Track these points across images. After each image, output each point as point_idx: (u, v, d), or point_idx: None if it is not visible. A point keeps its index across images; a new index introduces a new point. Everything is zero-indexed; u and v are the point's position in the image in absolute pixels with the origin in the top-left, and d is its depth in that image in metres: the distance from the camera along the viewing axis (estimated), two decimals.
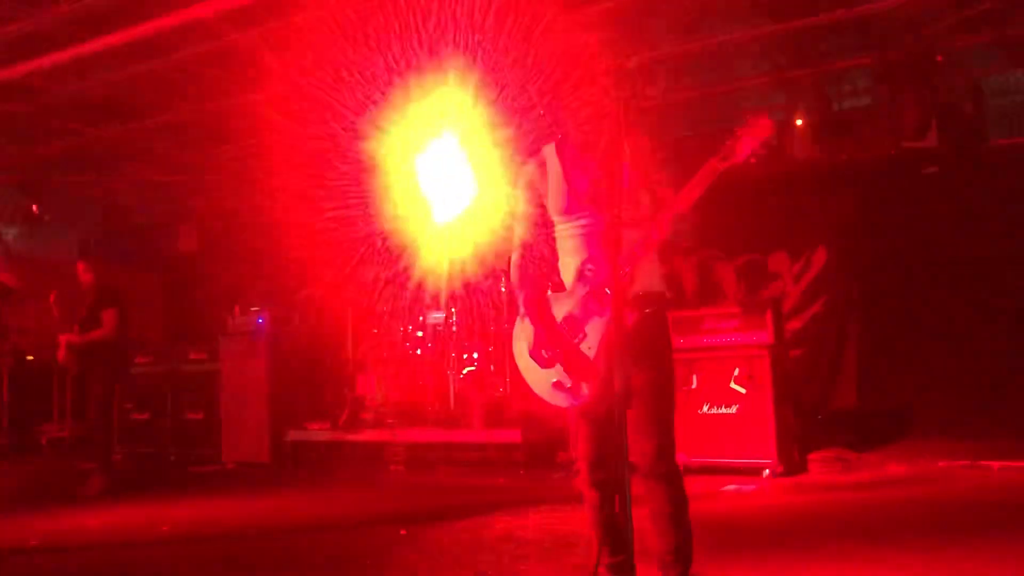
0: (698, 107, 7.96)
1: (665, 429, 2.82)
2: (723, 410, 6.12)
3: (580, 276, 2.84)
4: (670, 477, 2.81)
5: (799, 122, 7.37)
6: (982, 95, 7.33)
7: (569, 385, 2.79)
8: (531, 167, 3.00)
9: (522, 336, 2.93)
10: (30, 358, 10.53)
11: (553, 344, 2.83)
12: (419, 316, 8.39)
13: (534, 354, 2.85)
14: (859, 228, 8.17)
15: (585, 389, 2.77)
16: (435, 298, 9.95)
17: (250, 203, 10.97)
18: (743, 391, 6.09)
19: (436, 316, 8.16)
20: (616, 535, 2.84)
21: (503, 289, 7.93)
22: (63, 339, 6.93)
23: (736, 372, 6.13)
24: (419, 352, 8.18)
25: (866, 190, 8.14)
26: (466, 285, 8.97)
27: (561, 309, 2.86)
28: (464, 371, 7.93)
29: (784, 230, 8.46)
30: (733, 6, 6.73)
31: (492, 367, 7.82)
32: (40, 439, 10.37)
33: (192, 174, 10.73)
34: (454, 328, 8.00)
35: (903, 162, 7.67)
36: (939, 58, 6.92)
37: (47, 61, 6.97)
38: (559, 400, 2.83)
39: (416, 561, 4.03)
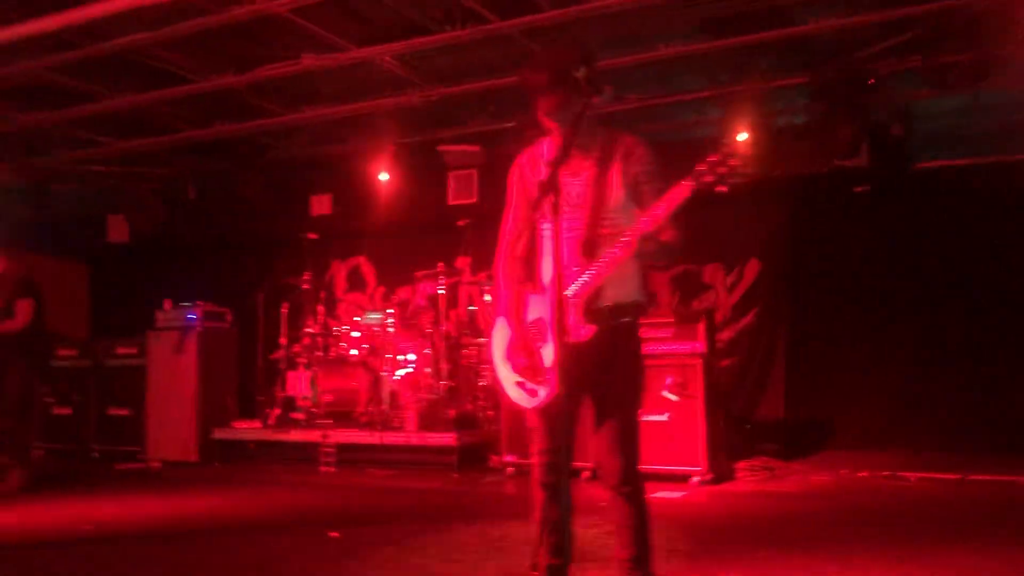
0: (641, 118, 8.07)
1: (632, 446, 2.87)
2: (655, 417, 6.21)
3: (555, 281, 2.83)
4: (635, 494, 2.87)
5: (743, 136, 7.52)
6: (911, 118, 7.58)
7: (528, 387, 2.86)
8: (524, 161, 3.01)
9: (500, 333, 2.99)
10: None
11: (515, 344, 2.89)
12: (355, 316, 8.33)
13: (509, 352, 2.89)
14: (790, 243, 8.39)
15: (541, 393, 2.83)
16: (372, 298, 9.96)
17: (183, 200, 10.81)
18: (675, 399, 6.20)
19: (373, 316, 8.11)
20: (555, 539, 2.86)
21: (441, 290, 7.94)
22: None
23: (668, 381, 6.23)
24: (354, 352, 8.11)
25: (798, 206, 8.36)
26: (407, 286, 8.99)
27: (535, 311, 2.91)
28: (399, 373, 7.90)
29: (719, 242, 8.63)
30: (672, 21, 6.85)
31: (427, 370, 7.81)
32: None
33: (125, 164, 10.49)
34: (390, 329, 7.96)
35: (834, 180, 7.90)
36: (871, 80, 7.14)
37: None
38: (522, 400, 2.89)
39: (347, 564, 4.01)
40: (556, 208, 2.51)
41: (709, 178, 2.68)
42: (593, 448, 2.91)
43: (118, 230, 11.13)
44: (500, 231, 3.05)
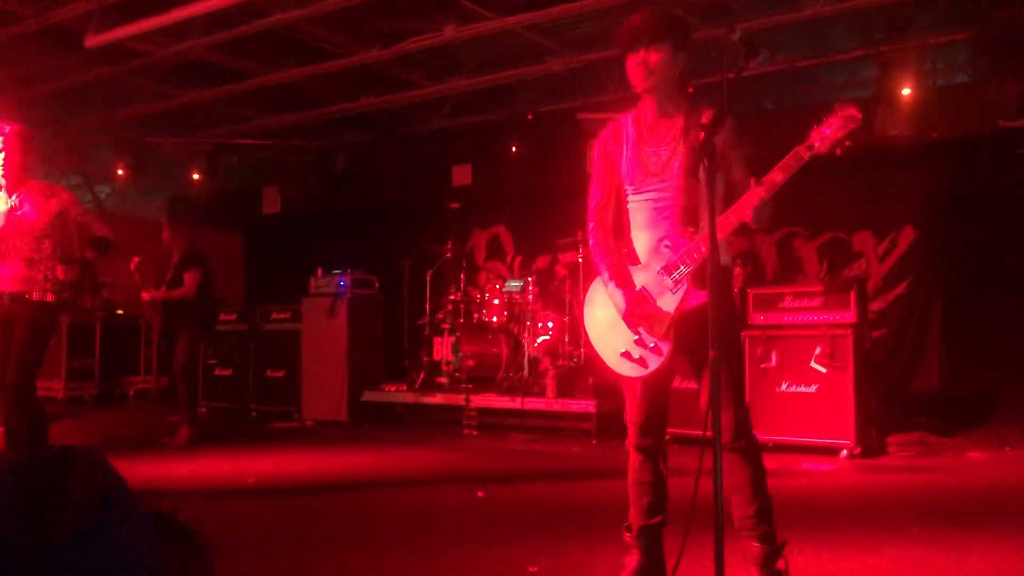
0: (789, 80, 7.81)
1: (741, 402, 2.87)
2: (802, 388, 6.06)
3: (656, 251, 2.87)
4: (750, 449, 2.87)
5: (906, 91, 7.16)
6: None
7: (637, 356, 2.86)
8: (607, 134, 3.01)
9: (598, 303, 2.99)
10: (120, 312, 10.96)
11: (627, 314, 2.88)
12: (496, 284, 8.47)
13: (627, 318, 2.88)
14: (948, 209, 7.95)
15: (651, 362, 2.84)
16: (511, 266, 10.09)
17: (332, 172, 11.24)
18: (823, 370, 6.02)
19: (513, 284, 8.23)
20: (651, 499, 2.96)
21: (580, 259, 7.96)
22: (144, 295, 7.29)
23: (817, 351, 6.05)
24: (495, 320, 8.27)
25: (958, 169, 7.91)
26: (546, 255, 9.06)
27: (631, 280, 2.91)
28: (539, 340, 8.00)
29: (870, 209, 8.28)
30: None
31: (567, 337, 7.87)
32: (127, 390, 10.83)
33: (278, 138, 10.99)
34: (530, 297, 8.05)
35: (998, 142, 7.42)
36: None
37: (145, 25, 7.19)
38: (625, 369, 2.90)
39: (493, 522, 4.12)
40: (711, 173, 2.47)
41: (826, 143, 2.61)
42: (702, 408, 2.91)
43: (272, 201, 11.69)
44: (588, 205, 3.05)
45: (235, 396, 9.37)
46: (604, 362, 2.99)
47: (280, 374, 9.05)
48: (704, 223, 2.72)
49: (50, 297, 4.91)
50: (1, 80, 8.80)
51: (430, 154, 10.87)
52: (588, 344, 7.72)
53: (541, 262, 9.20)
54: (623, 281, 2.91)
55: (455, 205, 9.09)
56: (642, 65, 2.81)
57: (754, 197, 2.67)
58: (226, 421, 9.02)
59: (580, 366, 7.56)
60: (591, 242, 3.03)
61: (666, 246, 2.84)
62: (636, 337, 2.87)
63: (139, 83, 9.26)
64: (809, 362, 6.07)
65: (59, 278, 4.84)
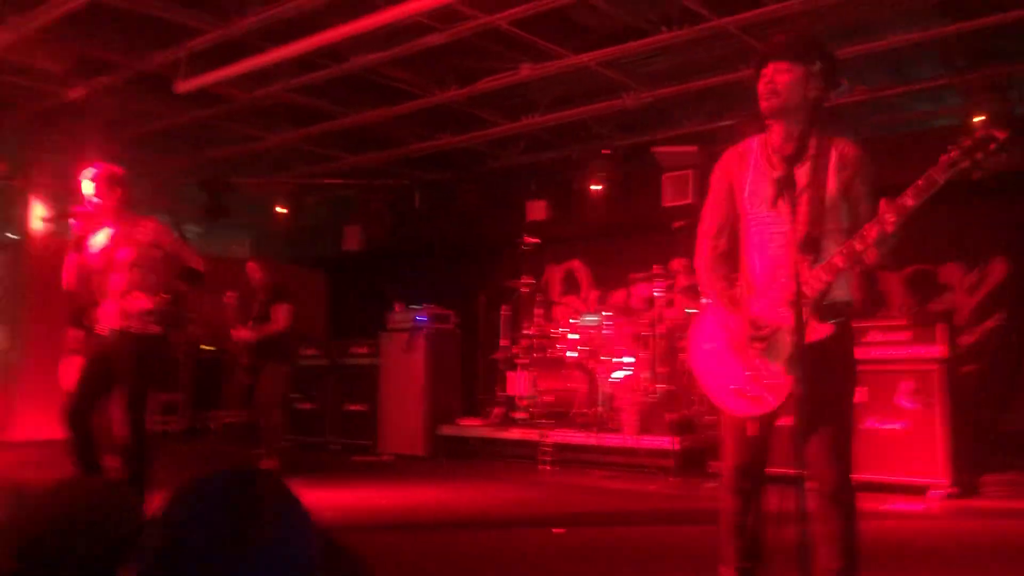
0: (870, 110, 7.68)
1: (848, 452, 2.74)
2: (889, 425, 5.88)
3: (775, 280, 2.74)
4: (849, 505, 2.74)
5: (978, 119, 6.97)
6: None
7: (752, 393, 2.73)
8: (732, 156, 2.91)
9: (705, 334, 2.89)
10: (205, 347, 11.28)
11: (737, 348, 2.77)
12: (571, 318, 8.47)
13: (727, 356, 2.78)
14: None
15: (766, 399, 2.71)
16: (586, 300, 10.07)
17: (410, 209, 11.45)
18: (912, 407, 5.83)
19: (589, 319, 8.21)
20: (747, 543, 2.86)
21: (656, 293, 7.91)
22: (235, 334, 7.48)
23: (904, 387, 5.87)
24: (571, 354, 8.25)
25: None
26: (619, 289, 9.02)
27: (745, 310, 2.79)
28: (615, 375, 7.95)
29: (958, 240, 8.03)
30: (904, 6, 6.46)
31: (644, 373, 7.80)
32: (213, 424, 11.11)
33: (360, 177, 11.26)
34: (606, 331, 8.02)
35: None
36: None
37: (231, 71, 7.48)
38: (737, 406, 2.78)
39: (570, 559, 4.09)
40: (794, 205, 2.43)
41: (965, 163, 2.43)
42: (807, 454, 2.79)
43: (353, 239, 11.94)
44: (699, 229, 2.96)
45: (316, 430, 9.53)
46: (711, 398, 2.89)
47: (360, 408, 9.18)
48: (832, 251, 2.65)
49: (154, 329, 4.74)
50: (95, 124, 9.23)
51: (505, 190, 10.98)
52: (667, 379, 7.68)
53: (617, 296, 9.18)
54: (737, 308, 2.80)
55: (530, 240, 9.15)
56: (768, 85, 2.72)
57: (873, 230, 2.54)
58: (309, 455, 9.16)
59: (658, 401, 7.47)
60: (699, 269, 2.94)
61: (786, 275, 2.69)
62: (751, 372, 2.74)
63: (225, 125, 9.62)
64: (896, 398, 5.89)
65: (151, 308, 4.69)
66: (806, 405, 2.64)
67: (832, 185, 2.72)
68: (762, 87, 2.73)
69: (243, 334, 7.45)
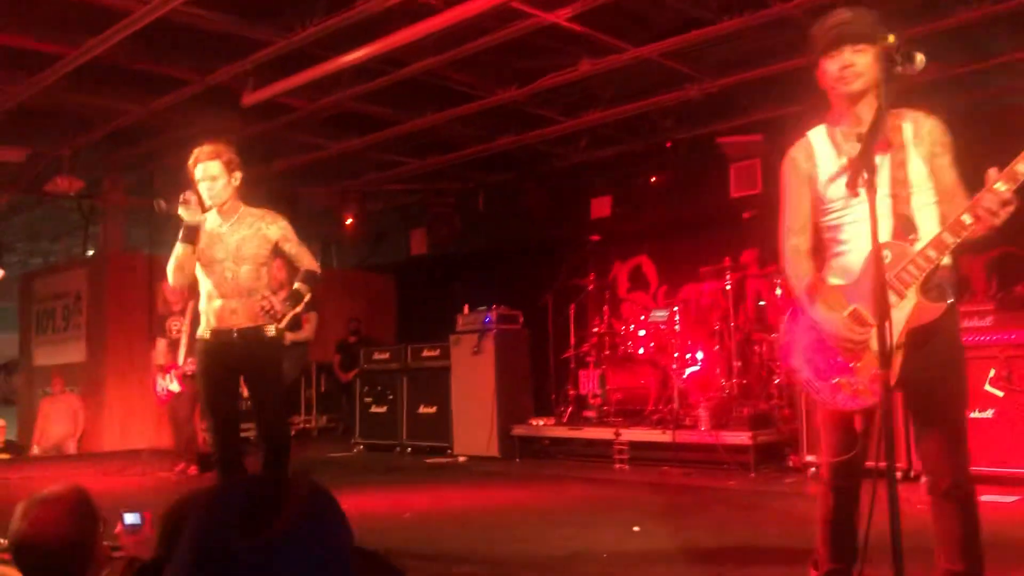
0: (944, 88, 7.42)
1: (965, 444, 2.60)
2: (977, 414, 5.66)
3: (866, 266, 2.58)
4: (968, 500, 2.60)
5: None
6: None
7: (855, 387, 2.61)
8: (797, 154, 2.80)
9: (800, 328, 2.76)
10: None
11: (837, 340, 2.63)
12: (640, 315, 8.38)
13: (825, 349, 2.66)
14: None
15: (869, 391, 2.57)
16: (655, 296, 9.96)
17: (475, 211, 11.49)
18: (1000, 394, 5.61)
19: (659, 314, 8.11)
20: (842, 543, 2.74)
21: (727, 287, 7.77)
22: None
23: (992, 373, 5.65)
24: (641, 351, 8.16)
25: None
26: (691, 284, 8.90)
27: (847, 302, 2.64)
28: (687, 371, 7.84)
29: None
30: None
31: (717, 368, 7.68)
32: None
33: (424, 182, 11.34)
34: (677, 327, 7.91)
35: None
36: None
37: (295, 80, 7.59)
38: (841, 400, 2.65)
39: (648, 557, 4.03)
40: (871, 187, 2.32)
41: None
42: (921, 449, 2.69)
43: (419, 243, 12.05)
44: (779, 228, 2.85)
45: (389, 432, 9.60)
46: (812, 393, 2.76)
47: (432, 410, 9.23)
48: (923, 231, 2.55)
49: (273, 332, 4.36)
50: (166, 141, 9.44)
51: (569, 188, 10.94)
52: (741, 373, 7.54)
53: (686, 291, 9.05)
54: (832, 303, 2.66)
55: (595, 237, 9.08)
56: (847, 67, 2.59)
57: (986, 199, 2.41)
58: (381, 457, 9.24)
59: (733, 396, 7.34)
60: (786, 266, 2.82)
61: (884, 257, 2.52)
62: (853, 364, 2.61)
63: (291, 136, 9.77)
64: (983, 385, 5.67)
65: (276, 309, 4.24)
66: (917, 395, 2.57)
67: (914, 160, 2.62)
68: (838, 70, 2.61)
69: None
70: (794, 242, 2.79)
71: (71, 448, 10.76)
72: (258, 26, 6.98)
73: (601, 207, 10.65)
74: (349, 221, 11.69)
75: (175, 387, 7.84)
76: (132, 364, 10.69)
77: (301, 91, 8.07)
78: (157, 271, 10.56)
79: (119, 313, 10.98)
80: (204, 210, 4.33)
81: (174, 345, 7.95)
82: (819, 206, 2.76)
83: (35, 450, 10.83)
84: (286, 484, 0.97)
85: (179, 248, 4.28)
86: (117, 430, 10.76)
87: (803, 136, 2.82)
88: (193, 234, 4.27)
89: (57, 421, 10.86)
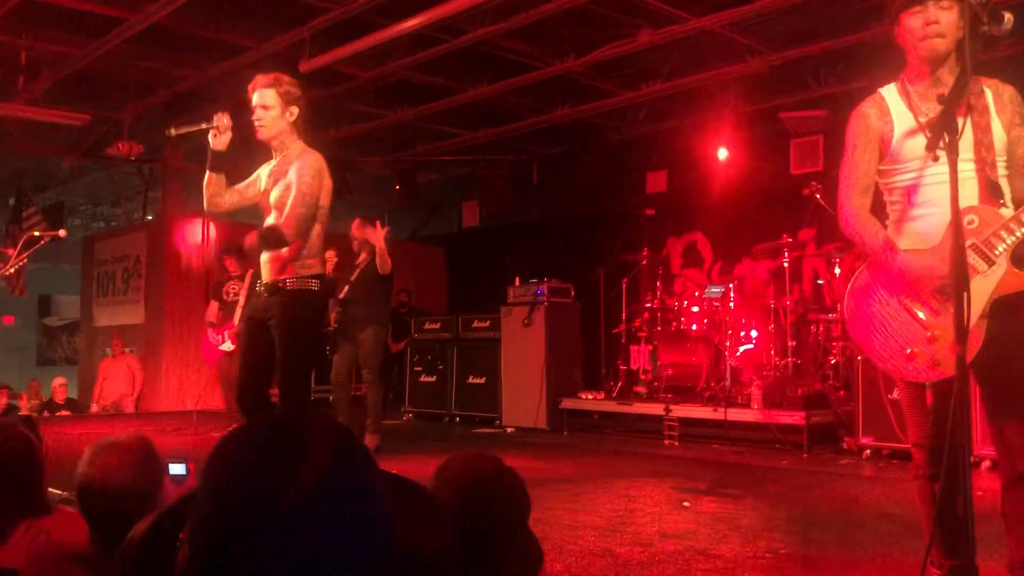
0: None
1: None
2: None
3: (943, 232, 2.45)
4: None
5: None
6: None
7: (933, 356, 2.46)
8: (869, 110, 2.66)
9: (868, 297, 2.62)
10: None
11: (913, 305, 2.50)
12: (695, 291, 8.27)
13: (898, 318, 2.53)
14: None
15: (944, 362, 2.42)
16: (709, 273, 9.83)
17: (528, 183, 11.41)
18: None
19: (713, 291, 8.00)
20: (954, 536, 2.47)
21: (784, 264, 7.62)
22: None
23: None
24: (694, 328, 8.06)
25: None
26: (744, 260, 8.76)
27: (922, 268, 2.49)
28: (740, 349, 7.72)
29: None
30: None
31: (771, 346, 7.55)
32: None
33: (477, 153, 11.30)
34: (731, 305, 7.79)
35: None
36: None
37: (352, 48, 7.58)
38: (913, 372, 2.52)
39: (696, 534, 3.98)
40: (953, 150, 2.20)
41: None
42: (994, 428, 2.50)
43: (471, 215, 12.04)
44: (842, 187, 2.69)
45: (438, 402, 9.66)
46: (880, 363, 2.61)
47: (481, 381, 9.25)
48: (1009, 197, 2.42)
49: (312, 284, 3.98)
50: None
51: (624, 162, 10.81)
52: (796, 353, 7.41)
53: (741, 268, 8.91)
54: (915, 259, 2.49)
55: (650, 212, 8.97)
56: (932, 25, 2.46)
57: None
58: (431, 426, 9.30)
59: (787, 375, 7.22)
60: (853, 224, 2.64)
61: (970, 222, 2.43)
62: (930, 333, 2.46)
63: (347, 105, 9.80)
64: None
65: (312, 267, 3.98)
66: (996, 369, 2.39)
67: (997, 126, 2.50)
68: (922, 27, 2.48)
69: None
70: (860, 201, 2.65)
71: (128, 407, 11.03)
72: None
73: (657, 181, 10.52)
74: (401, 191, 11.72)
75: (228, 347, 7.95)
76: (188, 326, 10.89)
77: (357, 59, 8.07)
78: (217, 236, 10.78)
79: (177, 276, 11.18)
80: (259, 140, 4.05)
81: (227, 307, 8.04)
82: (889, 166, 2.64)
83: (94, 408, 11.13)
84: (309, 423, 0.96)
85: (206, 176, 4.05)
86: (173, 391, 11.00)
87: (875, 93, 2.70)
88: (217, 161, 4.00)
89: (116, 381, 11.14)
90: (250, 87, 4.04)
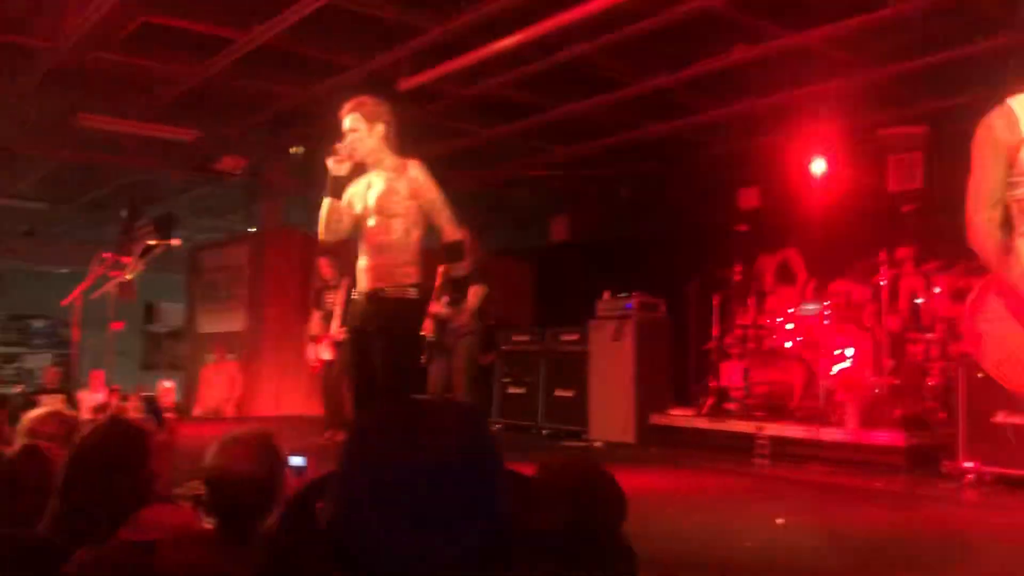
0: None
1: None
2: None
3: None
4: None
5: None
6: None
7: None
8: (996, 121, 2.62)
9: (1004, 315, 2.58)
10: None
11: None
12: (790, 307, 8.17)
13: None
14: None
15: None
16: (802, 291, 9.69)
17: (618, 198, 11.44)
18: None
19: (808, 308, 7.89)
20: None
21: (882, 283, 7.48)
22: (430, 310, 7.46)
23: None
24: (788, 345, 7.97)
25: None
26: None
27: None
28: (835, 368, 7.60)
29: None
30: None
31: (867, 366, 7.41)
32: None
33: (568, 169, 11.39)
34: (826, 322, 7.68)
35: None
36: None
37: (450, 66, 7.77)
38: None
39: (792, 550, 3.96)
40: None
41: None
42: None
43: (560, 229, 12.12)
44: (970, 202, 2.65)
45: (526, 414, 9.75)
46: (1009, 386, 2.57)
47: (569, 394, 9.30)
48: None
49: (411, 293, 4.10)
50: (324, 124, 9.85)
51: (715, 177, 10.75)
52: (893, 373, 7.24)
53: (836, 286, 8.75)
54: None
55: (743, 228, 8.90)
56: None
57: None
58: (518, 438, 9.39)
59: (884, 396, 7.08)
60: (976, 238, 2.61)
61: None
62: None
63: (441, 121, 10.01)
64: None
65: (411, 275, 4.08)
66: None
67: None
68: None
69: (436, 308, 7.43)
70: (988, 214, 2.61)
71: (228, 412, 11.44)
72: (417, 13, 7.18)
73: (749, 197, 10.42)
74: (489, 206, 11.89)
75: (326, 355, 8.21)
76: (287, 335, 11.26)
77: (454, 77, 8.26)
78: (313, 247, 11.12)
79: (276, 286, 11.58)
80: (355, 163, 4.19)
81: (329, 317, 8.31)
82: (1018, 177, 2.59)
83: (196, 412, 11.59)
84: (446, 404, 1.13)
85: (323, 202, 4.19)
86: (271, 397, 11.37)
87: (1002, 103, 2.64)
88: (336, 187, 4.16)
89: (216, 386, 11.58)
90: (340, 116, 4.23)
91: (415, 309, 4.19)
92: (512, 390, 9.98)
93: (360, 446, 1.08)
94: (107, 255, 7.60)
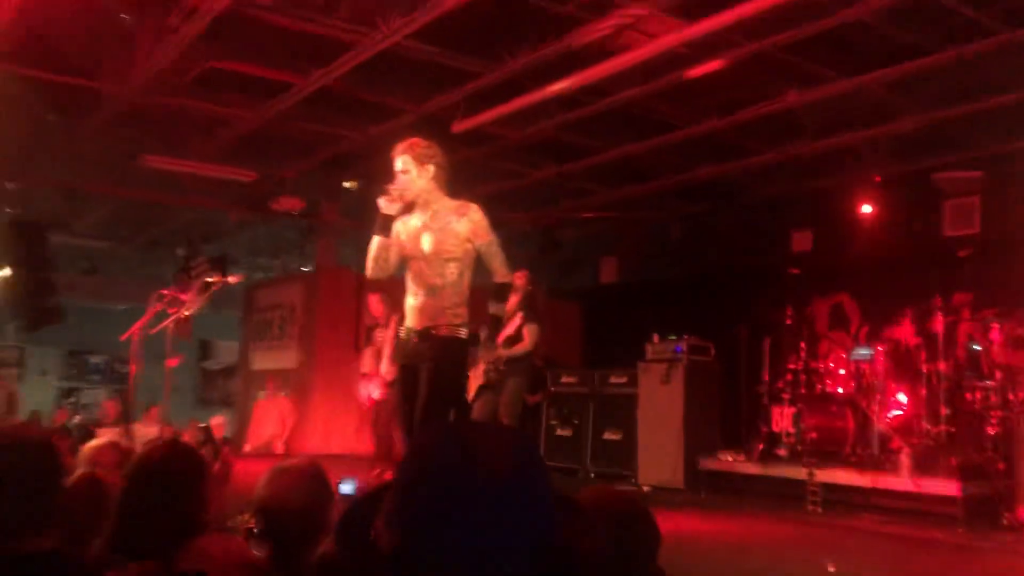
0: None
1: None
2: None
3: None
4: None
5: None
6: None
7: None
8: None
9: None
10: None
11: None
12: (842, 352, 8.06)
13: None
14: None
15: None
16: (855, 336, 9.55)
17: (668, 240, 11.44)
18: None
19: (862, 353, 7.78)
20: None
21: (938, 329, 7.35)
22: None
23: None
24: (840, 391, 7.84)
25: None
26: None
27: None
28: (889, 415, 7.45)
29: None
30: None
31: (922, 413, 7.25)
32: None
33: (617, 211, 11.44)
34: (880, 368, 7.55)
35: None
36: None
37: (503, 109, 7.90)
38: None
39: None
40: None
41: None
42: None
43: (609, 270, 12.13)
44: None
45: (574, 456, 9.69)
46: None
47: (617, 437, 9.24)
48: None
49: (461, 333, 4.20)
50: (378, 166, 10.05)
51: (767, 220, 10.70)
52: (949, 421, 7.08)
53: (891, 331, 8.61)
54: None
55: (795, 271, 8.83)
56: None
57: None
58: (566, 481, 9.33)
59: (939, 444, 6.92)
60: None
61: None
62: None
63: (493, 164, 10.14)
64: None
65: (461, 315, 4.13)
66: None
67: None
68: None
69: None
70: None
71: (279, 448, 11.56)
72: (470, 58, 7.33)
73: (802, 240, 10.35)
74: (541, 247, 11.95)
75: (377, 394, 8.28)
76: (338, 372, 11.38)
77: (506, 120, 8.39)
78: (365, 287, 11.28)
79: (329, 325, 11.74)
80: (405, 204, 4.28)
81: (379, 355, 8.39)
82: None
83: (247, 448, 11.73)
84: (498, 429, 1.16)
85: (373, 239, 4.29)
86: (321, 434, 11.47)
87: None
88: (385, 225, 4.23)
89: (267, 422, 11.73)
90: (392, 156, 4.34)
91: (464, 348, 4.28)
92: (559, 432, 9.94)
93: (418, 462, 1.12)
94: (165, 292, 7.79)
